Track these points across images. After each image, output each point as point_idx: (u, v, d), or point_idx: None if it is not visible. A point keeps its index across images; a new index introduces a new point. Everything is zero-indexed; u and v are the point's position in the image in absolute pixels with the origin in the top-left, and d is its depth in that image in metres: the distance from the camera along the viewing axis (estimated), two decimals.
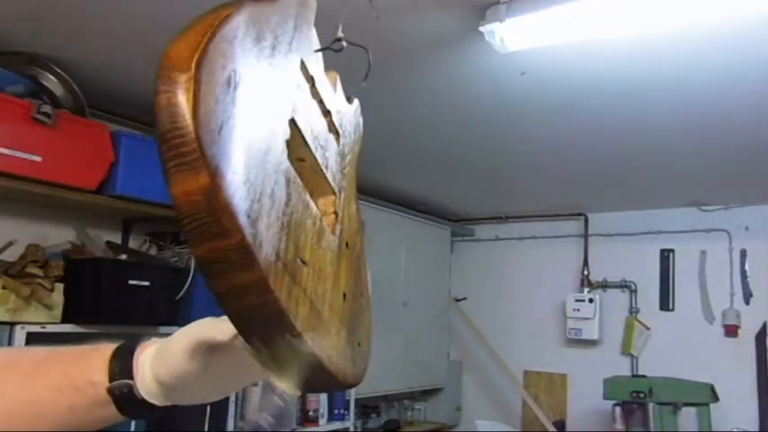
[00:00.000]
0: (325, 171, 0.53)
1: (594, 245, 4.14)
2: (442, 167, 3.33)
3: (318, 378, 0.45)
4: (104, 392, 0.53)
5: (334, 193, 0.54)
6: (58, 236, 2.32)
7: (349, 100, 0.65)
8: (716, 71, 1.96)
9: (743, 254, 3.71)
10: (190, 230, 0.38)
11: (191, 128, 0.36)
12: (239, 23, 0.42)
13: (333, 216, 0.54)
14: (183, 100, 0.36)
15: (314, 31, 0.57)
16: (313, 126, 0.51)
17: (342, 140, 0.59)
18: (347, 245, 0.55)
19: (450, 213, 4.49)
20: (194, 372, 0.51)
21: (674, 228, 3.88)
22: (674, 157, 2.91)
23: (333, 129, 0.57)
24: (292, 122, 0.47)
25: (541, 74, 2.04)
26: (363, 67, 0.70)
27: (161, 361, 0.53)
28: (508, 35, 1.66)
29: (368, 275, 0.59)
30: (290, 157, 0.46)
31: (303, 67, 0.51)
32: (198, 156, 0.36)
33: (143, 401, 0.53)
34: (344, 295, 0.51)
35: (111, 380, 0.53)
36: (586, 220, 4.18)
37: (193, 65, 0.38)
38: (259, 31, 0.44)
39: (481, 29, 1.65)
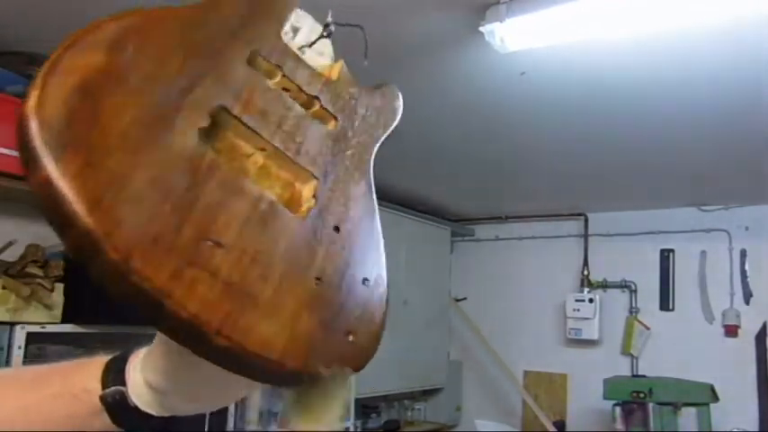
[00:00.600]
0: (295, 157, 0.53)
1: (594, 245, 4.14)
2: (442, 167, 3.33)
3: (254, 366, 0.44)
4: (98, 400, 0.52)
5: (315, 177, 0.54)
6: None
7: (380, 86, 0.67)
8: (716, 71, 1.96)
9: (743, 254, 3.71)
10: (48, 222, 0.40)
11: (32, 124, 0.39)
12: (114, 29, 0.46)
13: (312, 200, 0.53)
14: (30, 100, 0.40)
15: (288, 24, 0.59)
16: (273, 114, 0.53)
17: (342, 124, 0.59)
18: (337, 227, 0.53)
19: (450, 213, 4.49)
20: (179, 370, 0.50)
21: (674, 228, 3.88)
22: (675, 157, 2.91)
23: (322, 114, 0.58)
24: (226, 113, 0.49)
25: (541, 74, 2.04)
26: (379, 60, 0.71)
27: (147, 362, 0.52)
28: (508, 35, 1.66)
29: (381, 263, 0.55)
30: (214, 143, 0.48)
31: (259, 59, 0.54)
32: (38, 150, 0.39)
33: (137, 410, 0.51)
34: (318, 279, 0.50)
35: (104, 387, 0.52)
36: (586, 220, 4.18)
37: (45, 68, 0.42)
38: (160, 35, 0.48)
39: (481, 29, 1.65)
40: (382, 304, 0.54)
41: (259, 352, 0.43)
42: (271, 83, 0.55)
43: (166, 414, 0.52)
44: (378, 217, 0.58)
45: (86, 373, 0.54)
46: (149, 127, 0.44)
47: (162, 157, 0.44)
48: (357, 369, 0.50)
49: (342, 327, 0.50)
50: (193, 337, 0.42)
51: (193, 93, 0.48)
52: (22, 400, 0.55)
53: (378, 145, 0.63)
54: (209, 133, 0.49)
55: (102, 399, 0.52)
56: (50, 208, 0.39)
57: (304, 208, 0.52)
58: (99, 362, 0.55)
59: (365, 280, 0.53)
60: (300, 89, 0.57)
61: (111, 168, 0.41)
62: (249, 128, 0.51)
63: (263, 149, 0.52)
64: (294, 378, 0.46)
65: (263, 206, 0.49)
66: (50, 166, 0.39)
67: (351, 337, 0.50)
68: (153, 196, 0.42)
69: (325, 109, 0.58)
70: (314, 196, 0.53)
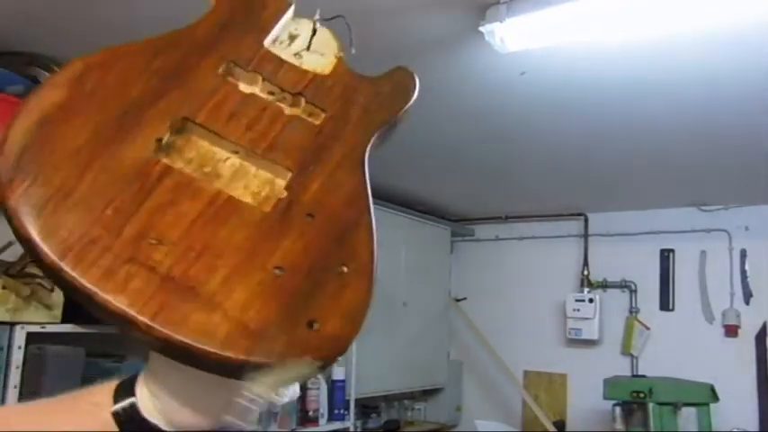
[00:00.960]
0: (266, 154, 0.56)
1: (594, 245, 4.14)
2: (442, 167, 3.33)
3: (194, 356, 0.45)
4: (109, 415, 0.52)
5: (289, 170, 0.56)
6: None
7: (390, 72, 0.69)
8: (716, 71, 1.96)
9: (743, 254, 3.71)
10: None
11: None
12: (79, 67, 0.54)
13: (284, 192, 0.55)
14: None
15: (286, 32, 0.64)
16: (243, 117, 0.57)
17: (331, 116, 0.61)
18: (311, 215, 0.54)
19: (450, 213, 4.49)
20: (171, 373, 0.50)
21: (674, 228, 3.88)
22: (674, 157, 2.91)
23: (310, 110, 0.60)
24: (190, 122, 0.55)
25: (541, 74, 2.04)
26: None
27: (147, 369, 0.52)
28: (508, 35, 1.66)
29: (366, 245, 0.53)
30: (182, 151, 0.54)
31: (236, 69, 0.59)
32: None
33: (148, 424, 0.51)
34: (280, 268, 0.50)
35: (116, 401, 0.52)
36: (586, 220, 4.18)
37: (15, 111, 0.50)
38: (125, 64, 0.56)
39: (481, 29, 1.65)
40: (362, 294, 0.52)
41: (194, 342, 0.45)
42: (249, 88, 0.59)
43: (175, 429, 0.52)
44: (369, 203, 0.57)
45: (97, 391, 0.54)
46: (103, 144, 0.51)
47: (112, 167, 0.50)
48: (323, 358, 0.48)
49: (304, 316, 0.48)
50: (130, 328, 0.45)
51: (154, 109, 0.54)
52: (28, 422, 0.54)
53: (383, 129, 0.63)
54: (172, 143, 0.54)
55: (115, 412, 0.52)
56: (8, 223, 0.47)
57: (273, 201, 0.54)
58: (111, 383, 0.55)
59: (341, 267, 0.52)
60: (282, 89, 0.60)
61: (56, 183, 0.48)
62: (214, 133, 0.55)
63: (236, 152, 0.56)
64: (238, 367, 0.46)
65: (219, 203, 0.52)
66: (5, 188, 0.47)
67: (315, 326, 0.48)
68: (95, 203, 0.48)
69: (312, 104, 0.60)
70: (287, 188, 0.55)
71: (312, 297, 0.49)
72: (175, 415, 0.52)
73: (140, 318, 0.45)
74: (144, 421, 0.51)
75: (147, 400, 0.52)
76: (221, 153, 0.55)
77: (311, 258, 0.51)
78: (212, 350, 0.45)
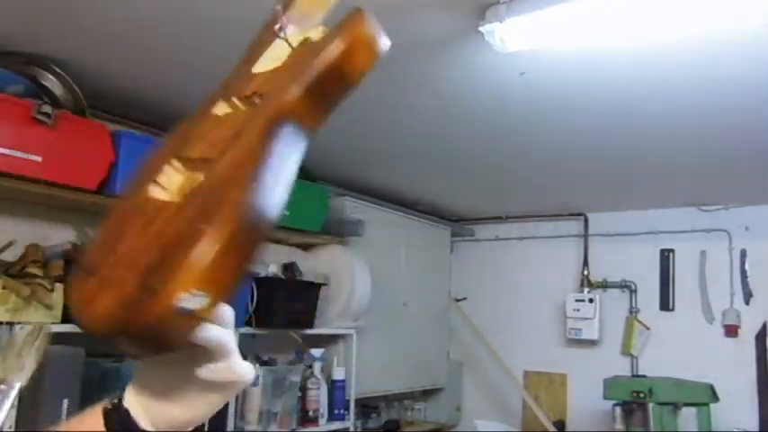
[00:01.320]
0: (204, 154, 0.60)
1: (594, 245, 4.14)
2: (442, 167, 3.33)
3: (96, 335, 0.52)
4: (101, 417, 0.54)
5: (213, 158, 0.59)
6: (57, 236, 2.32)
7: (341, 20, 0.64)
8: (715, 72, 1.96)
9: (743, 254, 3.71)
10: None
11: None
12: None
13: (201, 178, 0.58)
14: None
15: (264, 58, 0.68)
16: (208, 135, 0.62)
17: (262, 94, 0.62)
18: (206, 189, 0.56)
19: (451, 213, 4.49)
20: (151, 375, 0.54)
21: (674, 228, 3.88)
22: (674, 158, 2.91)
23: (250, 103, 0.63)
24: (183, 161, 0.61)
25: (541, 74, 2.04)
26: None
27: (136, 371, 0.56)
28: (508, 35, 1.66)
29: (234, 206, 0.53)
30: (170, 189, 0.60)
31: (223, 102, 0.65)
32: None
33: (133, 423, 0.53)
34: (163, 246, 0.53)
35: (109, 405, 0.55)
36: (586, 220, 4.18)
37: None
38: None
39: (481, 29, 1.65)
40: (209, 250, 0.50)
41: (87, 324, 0.53)
42: (223, 111, 0.64)
43: (156, 429, 0.53)
44: (261, 166, 0.55)
45: (94, 406, 0.56)
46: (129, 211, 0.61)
47: (120, 223, 0.60)
48: (157, 318, 0.49)
49: (153, 281, 0.50)
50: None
51: (165, 162, 0.61)
52: None
53: (311, 85, 0.57)
54: (173, 181, 0.60)
55: (103, 411, 0.54)
56: None
57: (187, 191, 0.57)
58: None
59: (201, 226, 0.51)
60: (248, 98, 0.64)
61: (102, 252, 0.59)
62: (190, 160, 0.61)
63: (203, 169, 0.60)
64: (105, 338, 0.51)
65: (150, 209, 0.58)
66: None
67: (156, 288, 0.49)
68: (103, 251, 0.58)
69: (260, 95, 0.62)
70: (204, 175, 0.58)
71: (163, 265, 0.51)
72: (156, 415, 0.54)
73: (77, 312, 0.54)
74: (130, 421, 0.53)
75: (133, 400, 0.54)
76: (199, 175, 0.59)
77: (181, 228, 0.53)
78: (94, 328, 0.52)
